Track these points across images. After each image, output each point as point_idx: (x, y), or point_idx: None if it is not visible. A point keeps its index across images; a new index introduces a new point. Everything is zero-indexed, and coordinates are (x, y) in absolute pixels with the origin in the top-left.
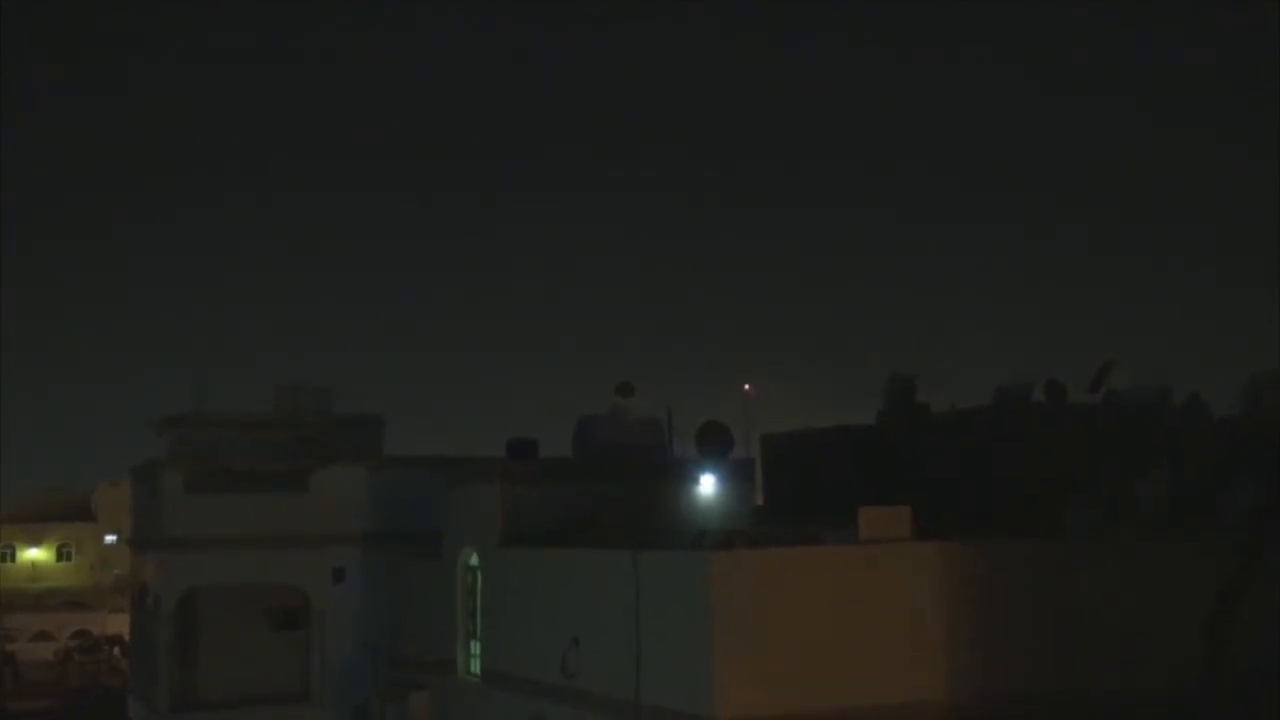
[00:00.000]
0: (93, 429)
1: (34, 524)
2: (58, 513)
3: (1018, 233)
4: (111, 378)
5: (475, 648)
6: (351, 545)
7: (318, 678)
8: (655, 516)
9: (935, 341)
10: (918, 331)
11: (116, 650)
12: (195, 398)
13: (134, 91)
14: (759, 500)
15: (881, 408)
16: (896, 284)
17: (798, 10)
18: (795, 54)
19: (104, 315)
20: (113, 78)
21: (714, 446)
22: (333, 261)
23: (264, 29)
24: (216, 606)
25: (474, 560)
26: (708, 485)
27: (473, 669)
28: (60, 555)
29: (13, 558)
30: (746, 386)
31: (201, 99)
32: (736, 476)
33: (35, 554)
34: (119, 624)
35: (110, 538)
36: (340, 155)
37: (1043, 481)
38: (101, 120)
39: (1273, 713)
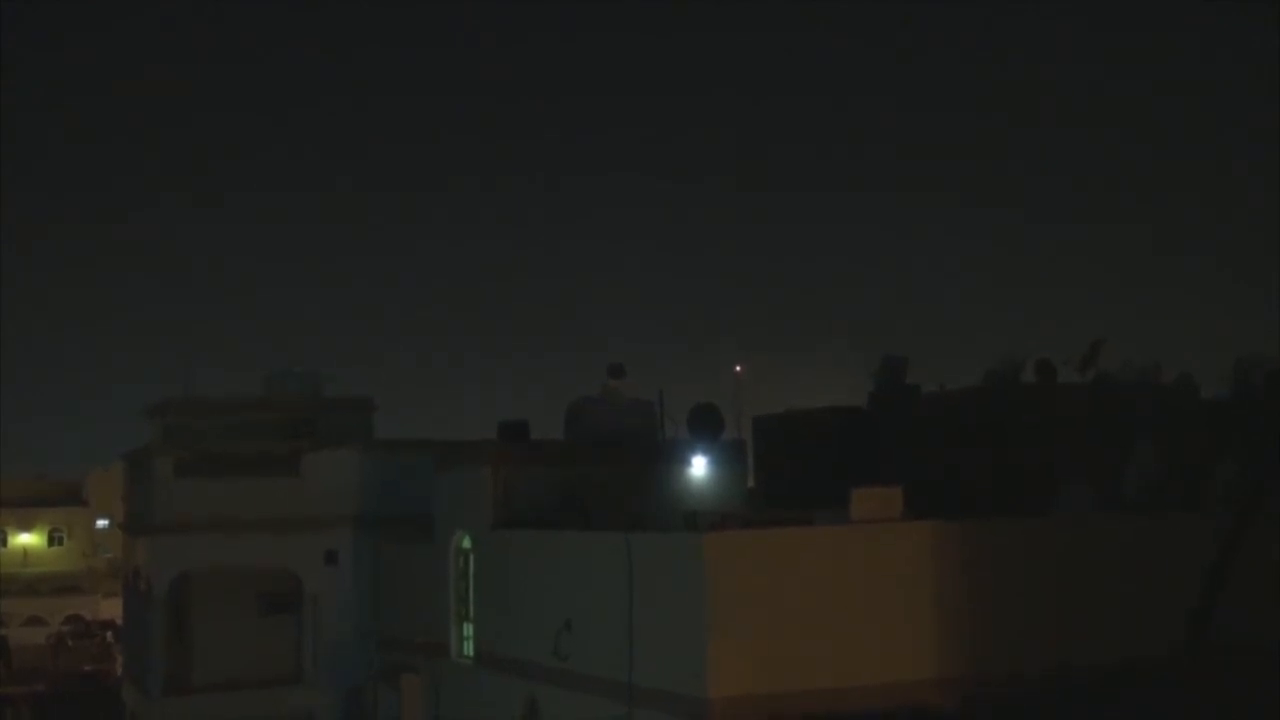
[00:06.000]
0: (85, 414)
1: (25, 509)
2: (49, 498)
3: (1008, 213)
4: (103, 363)
5: (468, 630)
6: (343, 528)
7: (310, 661)
8: (647, 499)
9: (926, 323)
10: (908, 313)
11: (109, 635)
12: (184, 382)
13: (127, 85)
14: (751, 482)
15: (872, 389)
16: (887, 265)
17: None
18: (784, 39)
19: (95, 301)
20: (108, 73)
21: (706, 428)
22: (322, 247)
23: (255, 26)
24: (209, 590)
25: (466, 543)
26: (700, 467)
27: (466, 652)
28: (52, 540)
29: (4, 543)
30: (738, 368)
31: (192, 92)
32: (728, 458)
33: (27, 539)
34: (112, 609)
35: (102, 522)
36: (332, 144)
37: (1033, 461)
38: (90, 112)
39: (1257, 688)
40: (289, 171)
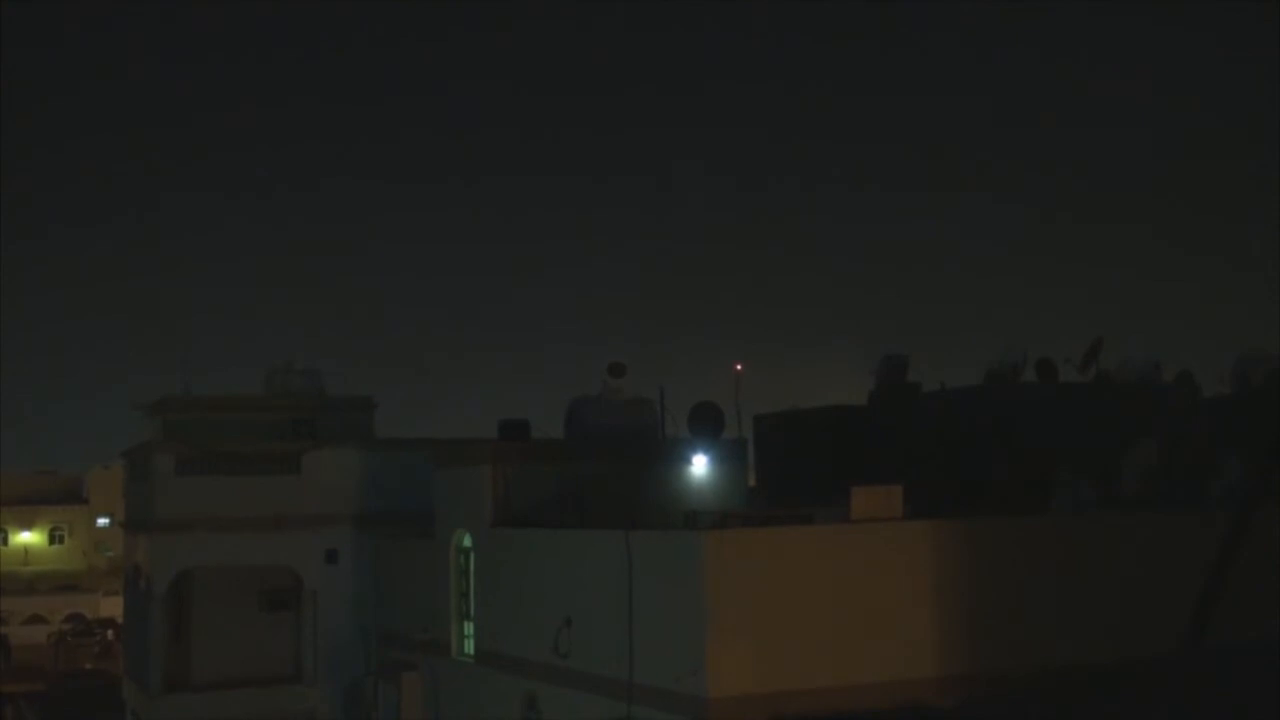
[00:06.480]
0: (85, 413)
1: (26, 507)
2: (50, 496)
3: (1009, 212)
4: (104, 362)
5: (468, 628)
6: (343, 527)
7: (310, 659)
8: (647, 497)
9: (926, 322)
10: (909, 311)
11: (110, 633)
12: (184, 380)
13: (129, 81)
14: (751, 480)
15: (873, 387)
16: (888, 264)
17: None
18: (784, 37)
19: (96, 299)
20: (108, 69)
21: (706, 427)
22: (323, 245)
23: (262, 23)
24: (209, 588)
25: (466, 541)
26: (700, 466)
27: (466, 650)
28: (53, 539)
29: (5, 541)
30: (738, 366)
31: (192, 90)
32: (729, 457)
33: (28, 537)
34: (113, 607)
35: (103, 520)
36: (333, 143)
37: (1033, 459)
38: (94, 107)
39: (1257, 688)
40: (289, 170)
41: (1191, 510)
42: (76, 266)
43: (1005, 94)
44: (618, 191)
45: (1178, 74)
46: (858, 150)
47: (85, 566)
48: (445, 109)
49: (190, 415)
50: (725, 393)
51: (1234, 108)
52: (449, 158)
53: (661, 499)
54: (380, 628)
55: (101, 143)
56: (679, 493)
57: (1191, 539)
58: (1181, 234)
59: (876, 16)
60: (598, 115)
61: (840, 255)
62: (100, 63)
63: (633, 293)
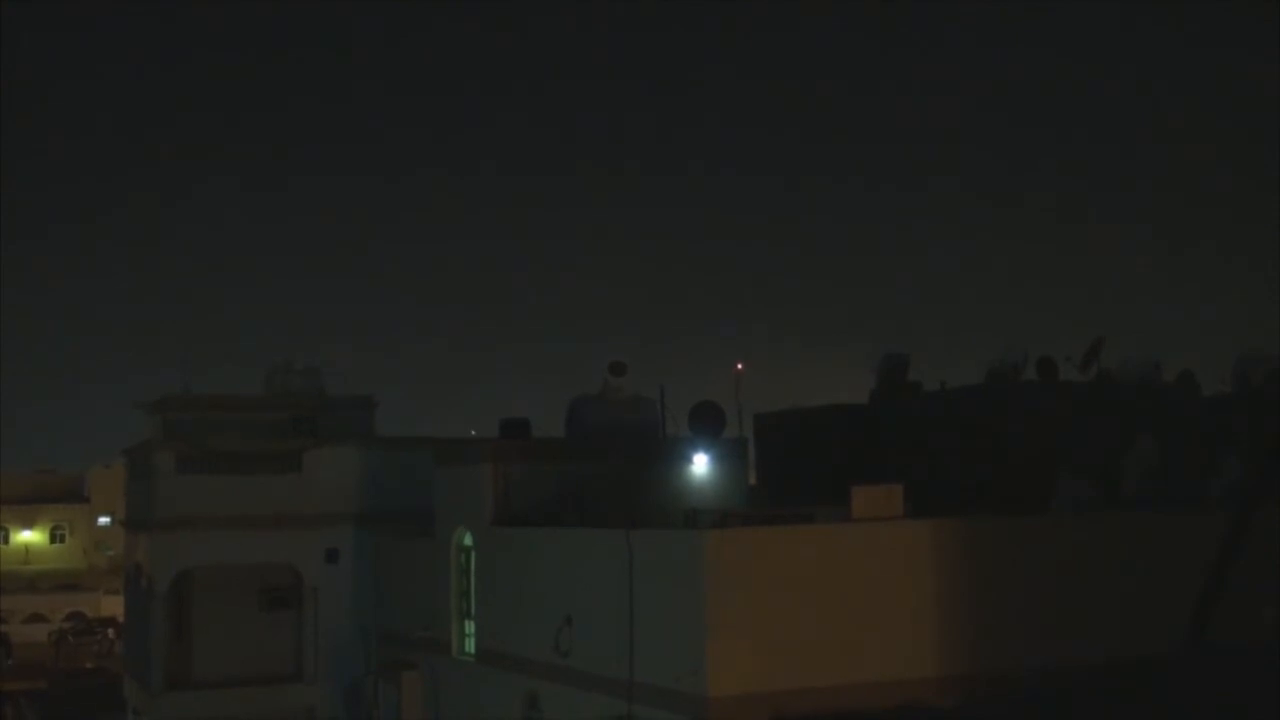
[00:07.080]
0: (86, 411)
1: (27, 506)
2: (51, 495)
3: (1009, 212)
4: (104, 360)
5: (469, 627)
6: (344, 525)
7: (311, 658)
8: (648, 496)
9: (927, 320)
10: (910, 310)
11: (111, 632)
12: (184, 379)
13: (128, 79)
14: (752, 479)
15: (874, 386)
16: (889, 263)
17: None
18: (785, 35)
19: (96, 298)
20: (108, 67)
21: (707, 426)
22: (324, 244)
23: (260, 22)
24: (210, 587)
25: (467, 540)
26: (701, 464)
27: (466, 648)
28: (54, 537)
29: (6, 540)
30: (739, 365)
31: (192, 88)
32: (729, 456)
33: (29, 536)
34: (114, 605)
35: (104, 519)
36: (333, 141)
37: (1033, 458)
38: (93, 107)
39: (1258, 687)
40: (289, 168)
41: (1191, 510)
42: (76, 266)
43: (1005, 94)
44: (618, 191)
45: (1178, 74)
46: (858, 150)
47: (86, 565)
48: (445, 108)
49: (190, 414)
50: (725, 392)
51: (1234, 108)
52: (449, 156)
53: (662, 498)
54: (380, 627)
55: (101, 143)
56: (679, 492)
57: (1191, 539)
58: (1182, 234)
59: (876, 16)
60: (597, 114)
61: (840, 255)
62: (100, 63)
63: (633, 293)
